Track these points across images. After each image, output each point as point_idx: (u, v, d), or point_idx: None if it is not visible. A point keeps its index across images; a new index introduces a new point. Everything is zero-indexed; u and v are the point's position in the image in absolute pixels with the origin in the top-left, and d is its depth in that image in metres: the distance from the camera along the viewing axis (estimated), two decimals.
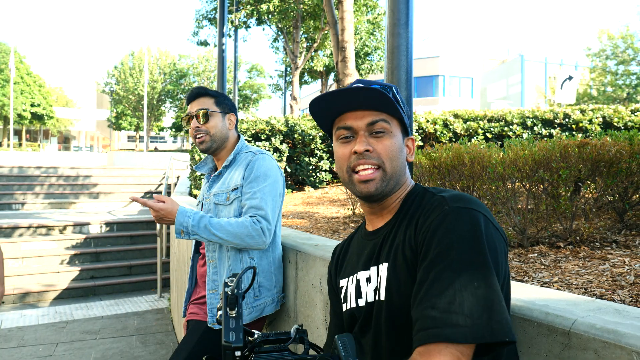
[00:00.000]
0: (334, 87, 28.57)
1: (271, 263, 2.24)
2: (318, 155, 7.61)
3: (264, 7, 15.43)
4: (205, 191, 2.37)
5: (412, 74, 2.92)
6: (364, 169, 1.19)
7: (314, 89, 44.01)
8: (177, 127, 47.13)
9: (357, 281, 1.25)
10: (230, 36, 16.65)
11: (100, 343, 5.31)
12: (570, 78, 14.57)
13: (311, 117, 8.23)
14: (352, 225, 4.55)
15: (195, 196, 6.98)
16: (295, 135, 7.55)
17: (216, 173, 2.29)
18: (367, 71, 22.05)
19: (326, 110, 1.25)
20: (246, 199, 2.10)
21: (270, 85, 29.88)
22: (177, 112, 48.13)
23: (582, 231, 2.58)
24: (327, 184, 7.67)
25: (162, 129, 52.37)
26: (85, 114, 56.78)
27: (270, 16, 16.53)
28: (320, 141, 7.66)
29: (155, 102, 45.79)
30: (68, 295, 7.62)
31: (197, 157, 7.29)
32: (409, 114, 1.31)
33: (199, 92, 2.29)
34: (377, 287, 1.19)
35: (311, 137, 7.58)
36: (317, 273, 2.19)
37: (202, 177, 7.33)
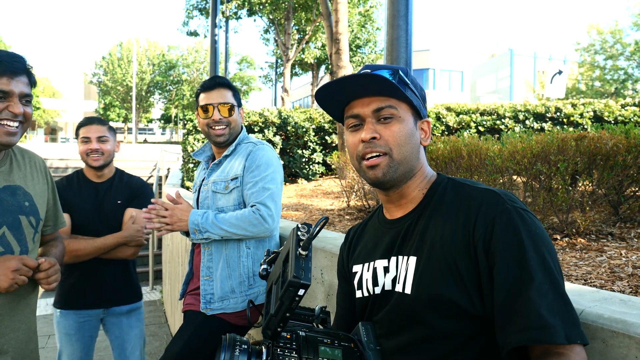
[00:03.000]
0: (325, 79, 28.55)
1: None
2: (311, 148, 7.60)
3: None
4: (201, 178, 2.36)
5: (412, 65, 2.93)
6: (371, 156, 1.18)
7: (304, 81, 43.87)
8: (166, 119, 46.80)
9: (375, 269, 1.25)
10: (221, 27, 16.51)
11: None
12: (560, 72, 14.69)
13: (304, 110, 8.21)
14: (347, 217, 4.57)
15: (188, 188, 6.95)
16: (289, 128, 7.53)
17: (215, 161, 2.28)
18: (359, 64, 22.02)
19: (333, 99, 1.24)
20: (248, 189, 2.10)
21: (260, 77, 29.74)
22: (165, 104, 47.77)
23: (579, 223, 2.61)
24: (320, 176, 7.67)
25: (150, 121, 51.95)
26: (72, 105, 56.15)
27: (261, 7, 16.41)
28: (313, 133, 7.65)
29: (144, 94, 45.35)
30: None
31: (189, 149, 7.25)
32: (422, 96, 1.25)
33: (221, 82, 2.26)
34: (396, 277, 1.18)
35: (304, 130, 7.57)
36: (318, 265, 2.19)
37: (194, 169, 7.29)
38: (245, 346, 1.19)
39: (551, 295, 0.96)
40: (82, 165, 2.72)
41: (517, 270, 0.99)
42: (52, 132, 60.16)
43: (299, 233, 1.12)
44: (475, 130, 7.42)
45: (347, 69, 7.00)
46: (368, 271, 1.27)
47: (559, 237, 2.64)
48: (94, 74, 46.87)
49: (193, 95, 42.74)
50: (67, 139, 55.81)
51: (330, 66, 7.13)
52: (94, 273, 2.61)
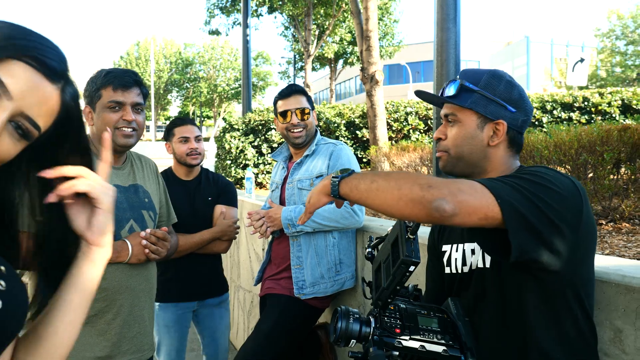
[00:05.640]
0: (345, 73, 28.63)
1: (350, 242, 2.49)
2: (343, 142, 7.82)
3: None
4: (281, 176, 2.62)
5: (460, 65, 3.12)
6: (438, 151, 1.46)
7: (320, 75, 43.95)
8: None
9: (464, 251, 1.45)
10: (239, 24, 16.73)
11: None
12: (582, 60, 14.58)
13: (333, 105, 8.43)
14: None
15: None
16: (320, 123, 7.76)
17: (297, 161, 2.53)
18: None
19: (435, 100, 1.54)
20: None
21: (279, 73, 29.95)
22: (183, 101, 48.26)
23: (623, 209, 2.81)
24: None
25: (168, 118, 52.54)
26: None
27: (281, 4, 16.61)
28: (344, 128, 7.87)
29: (162, 92, 45.93)
30: None
31: (226, 147, 7.53)
32: (506, 98, 1.37)
33: (296, 90, 2.52)
34: (482, 257, 1.41)
35: (336, 125, 7.79)
36: None
37: (231, 165, 7.57)
38: (357, 316, 1.42)
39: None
40: None
41: None
42: None
43: (406, 221, 1.36)
44: None
45: (377, 65, 7.19)
46: (457, 251, 1.47)
47: (604, 222, 2.84)
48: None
49: (210, 92, 43.21)
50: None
51: (361, 62, 7.32)
52: (189, 267, 2.76)
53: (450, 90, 1.38)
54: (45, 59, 0.73)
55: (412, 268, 1.24)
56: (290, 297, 2.43)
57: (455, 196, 1.08)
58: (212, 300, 2.93)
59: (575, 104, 7.64)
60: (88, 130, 1.88)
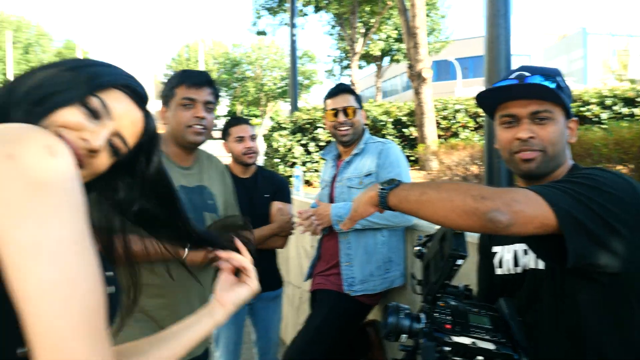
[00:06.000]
0: (391, 70, 28.36)
1: (400, 240, 2.51)
2: (391, 141, 7.79)
3: None
4: (330, 175, 2.66)
5: (511, 62, 3.05)
6: (527, 152, 1.33)
7: (366, 73, 43.76)
8: (231, 116, 48.15)
9: (515, 252, 1.44)
10: (286, 24, 16.92)
11: None
12: None
13: (380, 103, 8.41)
14: None
15: None
16: (367, 122, 7.77)
17: (346, 160, 2.57)
18: None
19: (491, 99, 1.43)
20: None
21: (326, 72, 30.08)
22: (231, 101, 49.29)
23: None
24: None
25: (217, 118, 53.81)
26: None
27: (327, 3, 16.68)
28: (391, 126, 7.84)
29: None
30: None
31: (274, 145, 7.67)
32: (570, 95, 1.37)
33: (344, 89, 2.57)
34: (535, 257, 1.38)
35: (382, 123, 7.77)
36: None
37: (279, 164, 7.71)
38: (408, 311, 1.45)
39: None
40: None
41: None
42: None
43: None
44: None
45: (424, 62, 7.12)
46: (509, 252, 1.46)
47: None
48: (165, 75, 49.25)
49: (257, 92, 43.94)
50: None
51: (408, 60, 7.27)
52: None
53: (550, 85, 1.30)
54: (137, 89, 0.90)
55: (459, 262, 1.25)
56: (339, 293, 2.47)
57: (510, 207, 1.08)
58: (267, 294, 2.99)
59: (638, 99, 7.26)
60: (162, 130, 1.94)
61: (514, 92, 1.35)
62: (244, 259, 1.08)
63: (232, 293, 1.06)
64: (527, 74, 1.33)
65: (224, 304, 1.03)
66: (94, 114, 0.80)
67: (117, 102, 0.85)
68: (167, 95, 1.91)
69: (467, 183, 1.20)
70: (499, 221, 1.06)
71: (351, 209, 1.40)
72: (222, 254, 1.06)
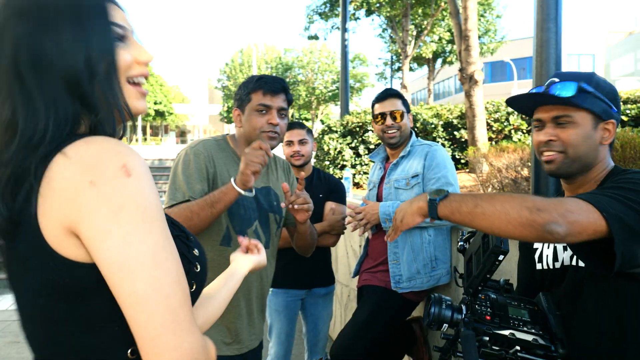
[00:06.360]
0: (443, 72, 27.90)
1: (446, 239, 2.59)
2: (440, 143, 7.78)
3: None
4: (378, 176, 2.78)
5: (562, 66, 3.05)
6: (548, 154, 1.44)
7: (418, 75, 43.23)
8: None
9: (555, 247, 1.51)
10: (338, 28, 17.07)
11: None
12: None
13: (431, 106, 8.40)
14: None
15: None
16: (417, 125, 7.79)
17: (394, 162, 2.68)
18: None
19: (522, 105, 1.56)
20: (432, 184, 2.47)
21: (376, 74, 30.03)
22: (273, 98, 49.78)
23: None
24: None
25: None
26: (198, 109, 60.38)
27: (379, 6, 16.73)
28: (441, 129, 7.83)
29: None
30: None
31: (325, 148, 7.85)
32: (611, 98, 1.42)
33: (392, 93, 2.69)
34: (573, 254, 1.46)
35: (433, 126, 7.77)
36: None
37: (329, 166, 7.87)
38: (450, 303, 1.54)
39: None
40: None
41: None
42: (181, 134, 65.90)
43: None
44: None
45: (476, 64, 7.07)
46: (548, 248, 1.53)
47: None
48: (219, 80, 50.69)
49: (308, 95, 44.41)
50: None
51: (460, 62, 7.25)
52: (300, 257, 2.84)
53: (568, 92, 1.38)
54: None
55: (501, 257, 1.34)
56: (386, 289, 2.58)
57: (565, 218, 1.14)
58: (319, 290, 3.14)
59: None
60: (235, 132, 2.06)
61: (540, 98, 1.46)
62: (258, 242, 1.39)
63: (244, 256, 1.34)
64: (557, 80, 1.43)
65: (235, 260, 1.32)
66: None
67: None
68: (242, 99, 1.97)
69: (518, 194, 1.22)
70: (556, 232, 1.13)
71: (395, 219, 1.45)
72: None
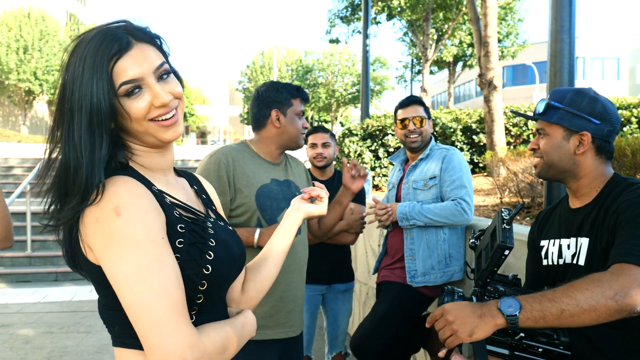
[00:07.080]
0: (464, 76, 27.79)
1: (460, 238, 2.76)
2: (459, 147, 7.89)
3: (395, 2, 15.85)
4: (397, 177, 2.96)
5: (575, 76, 3.19)
6: (533, 159, 1.74)
7: (438, 78, 43.07)
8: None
9: (560, 246, 1.68)
10: (359, 32, 17.24)
11: None
12: None
13: (450, 110, 8.52)
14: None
15: None
16: (436, 128, 7.92)
17: (412, 164, 2.85)
18: (499, 57, 21.31)
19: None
20: (447, 186, 2.65)
21: (396, 77, 30.10)
22: (304, 106, 50.15)
23: None
24: None
25: None
26: (219, 110, 60.75)
27: (400, 11, 16.86)
28: (460, 133, 7.94)
29: None
30: None
31: (345, 151, 8.03)
32: (591, 113, 1.60)
33: (415, 100, 2.88)
34: (575, 253, 1.61)
35: (452, 130, 7.89)
36: None
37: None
38: (461, 294, 1.71)
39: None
40: None
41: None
42: (202, 135, 66.53)
43: (503, 214, 1.60)
44: (637, 126, 7.05)
45: (495, 70, 7.18)
46: (554, 246, 1.70)
47: None
48: (239, 82, 51.24)
49: (328, 98, 44.63)
50: (215, 141, 60.77)
51: (479, 68, 7.36)
52: (321, 254, 3.07)
53: (540, 108, 1.66)
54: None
55: (507, 252, 1.50)
56: (403, 284, 2.76)
57: None
58: (339, 286, 3.33)
59: None
60: (255, 135, 2.31)
61: (527, 115, 1.75)
62: (320, 190, 1.48)
63: (307, 204, 1.46)
64: (546, 97, 1.72)
65: (298, 208, 1.43)
66: None
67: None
68: (281, 102, 2.21)
69: (592, 279, 1.35)
70: (639, 311, 1.29)
71: (463, 332, 1.38)
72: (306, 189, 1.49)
